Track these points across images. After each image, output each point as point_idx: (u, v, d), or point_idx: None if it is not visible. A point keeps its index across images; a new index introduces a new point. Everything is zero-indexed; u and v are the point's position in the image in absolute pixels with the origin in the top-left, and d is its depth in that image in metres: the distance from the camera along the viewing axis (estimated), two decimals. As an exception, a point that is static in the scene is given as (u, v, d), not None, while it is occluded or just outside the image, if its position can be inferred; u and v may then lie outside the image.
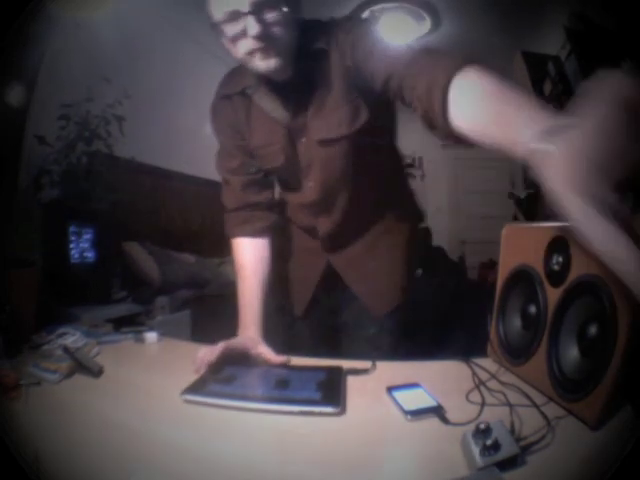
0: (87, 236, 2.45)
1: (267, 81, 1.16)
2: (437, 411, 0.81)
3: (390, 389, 0.91)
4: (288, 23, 1.04)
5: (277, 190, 1.42)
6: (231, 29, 1.01)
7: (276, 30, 1.02)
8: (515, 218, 3.02)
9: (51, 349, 1.07)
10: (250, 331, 1.19)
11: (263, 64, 1.05)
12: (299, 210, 1.39)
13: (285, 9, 1.02)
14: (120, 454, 0.69)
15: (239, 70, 1.22)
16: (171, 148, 3.68)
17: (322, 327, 1.48)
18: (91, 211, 2.46)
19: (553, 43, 3.34)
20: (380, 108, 1.18)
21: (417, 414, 0.80)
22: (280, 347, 1.15)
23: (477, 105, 0.73)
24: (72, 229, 2.36)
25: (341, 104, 1.15)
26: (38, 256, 2.06)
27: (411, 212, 1.50)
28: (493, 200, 4.42)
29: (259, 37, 1.00)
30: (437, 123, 0.80)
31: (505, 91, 0.68)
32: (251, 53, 1.04)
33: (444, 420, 0.78)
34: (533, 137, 0.55)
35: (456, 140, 0.79)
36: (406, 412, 0.81)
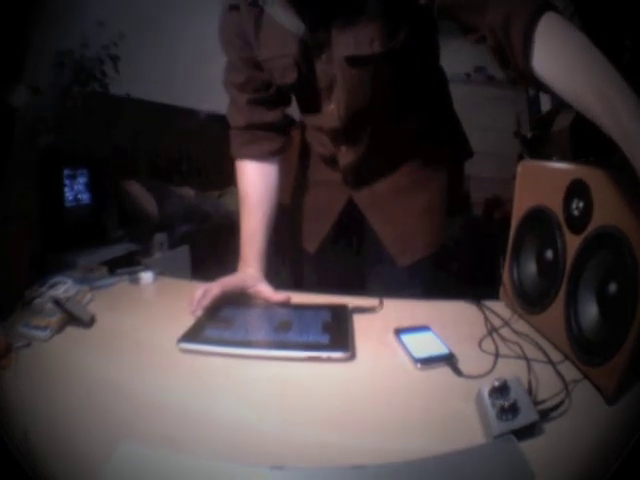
0: (82, 178, 2.42)
1: None
2: (449, 360, 0.77)
3: (398, 332, 0.88)
4: None
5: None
6: None
7: None
8: (520, 157, 2.94)
9: (42, 303, 1.02)
10: (251, 268, 1.13)
11: None
12: (318, 136, 1.24)
13: None
14: (112, 415, 0.67)
15: None
16: (168, 82, 3.52)
17: (335, 269, 1.38)
18: (86, 152, 2.45)
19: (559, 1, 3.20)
20: (422, 25, 1.02)
21: (428, 362, 0.77)
22: (286, 286, 1.11)
23: (567, 56, 0.67)
24: (66, 172, 2.33)
25: (375, 17, 0.97)
26: (33, 206, 2.05)
27: (456, 146, 1.31)
28: (498, 137, 4.35)
29: None
30: (514, 61, 0.73)
31: (593, 50, 0.64)
32: None
33: (456, 371, 0.75)
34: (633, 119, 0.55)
35: (530, 84, 0.73)
36: (416, 360, 0.78)
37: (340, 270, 1.38)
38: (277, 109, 1.20)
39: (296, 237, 1.37)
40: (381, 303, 1.03)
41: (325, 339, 0.86)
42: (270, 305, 1.07)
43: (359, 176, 1.22)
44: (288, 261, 1.41)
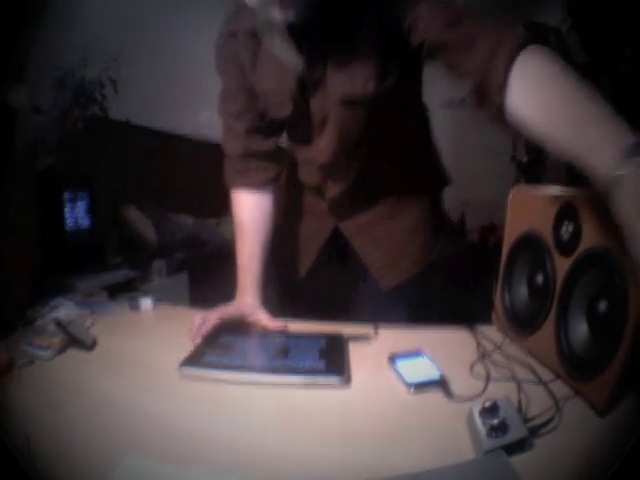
0: (82, 202, 2.42)
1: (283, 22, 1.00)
2: (441, 384, 0.79)
3: (392, 358, 0.89)
4: None
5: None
6: None
7: None
8: (517, 181, 2.98)
9: (44, 324, 1.04)
10: (248, 295, 1.15)
11: (281, 15, 0.91)
12: (307, 167, 1.25)
13: None
14: (114, 433, 0.68)
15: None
16: (167, 109, 3.56)
17: (323, 294, 1.39)
18: (86, 176, 2.44)
19: (555, 15, 3.26)
20: (411, 65, 1.06)
21: (420, 387, 0.78)
22: (278, 311, 1.13)
23: (545, 96, 0.68)
24: (67, 196, 2.32)
25: (371, 59, 1.00)
26: (33, 228, 2.05)
27: (436, 177, 1.34)
28: (495, 162, 4.40)
29: None
30: (490, 102, 0.74)
31: (576, 84, 0.65)
32: (267, 3, 0.90)
33: (448, 394, 0.76)
34: (612, 157, 0.53)
35: (504, 124, 0.74)
36: (409, 385, 0.79)
37: (330, 292, 1.40)
38: (272, 138, 1.22)
39: (285, 262, 1.38)
40: (376, 330, 1.04)
41: (321, 365, 0.87)
42: (268, 332, 1.08)
43: (345, 207, 1.24)
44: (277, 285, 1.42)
